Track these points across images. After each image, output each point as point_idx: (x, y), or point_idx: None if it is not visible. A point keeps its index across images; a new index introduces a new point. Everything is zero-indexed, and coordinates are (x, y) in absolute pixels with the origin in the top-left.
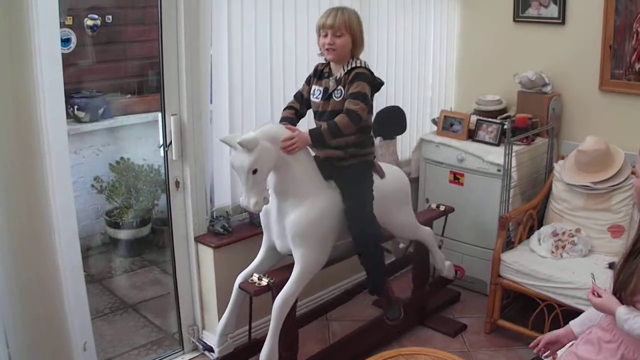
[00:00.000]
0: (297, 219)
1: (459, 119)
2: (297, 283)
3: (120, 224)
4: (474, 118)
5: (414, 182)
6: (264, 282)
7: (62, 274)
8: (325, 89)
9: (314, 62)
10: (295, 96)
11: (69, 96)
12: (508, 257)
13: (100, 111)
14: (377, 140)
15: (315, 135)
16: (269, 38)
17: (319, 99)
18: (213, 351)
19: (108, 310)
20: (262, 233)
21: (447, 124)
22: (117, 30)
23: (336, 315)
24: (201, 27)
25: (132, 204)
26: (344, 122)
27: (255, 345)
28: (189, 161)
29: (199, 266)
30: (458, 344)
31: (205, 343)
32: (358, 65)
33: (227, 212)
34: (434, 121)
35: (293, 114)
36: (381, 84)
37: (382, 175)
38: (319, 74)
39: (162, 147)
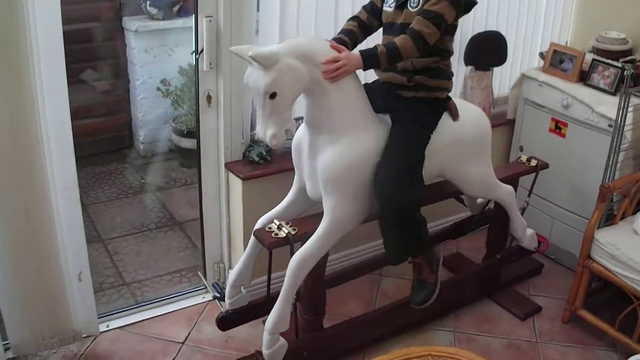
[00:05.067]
0: (330, 161)
1: (571, 56)
2: (321, 240)
3: (185, 131)
4: (589, 57)
5: (509, 124)
6: (283, 232)
7: (52, 195)
8: None
9: None
10: (364, 6)
11: None
12: (604, 235)
13: (176, 8)
14: (468, 70)
15: (368, 58)
16: None
17: (392, 8)
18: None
19: (153, 226)
20: None
21: (556, 60)
22: None
23: (393, 270)
24: None
25: None
26: (406, 45)
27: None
28: (223, 73)
29: (229, 198)
30: (525, 331)
31: (221, 289)
32: None
33: None
34: (542, 55)
35: (355, 27)
36: (472, 3)
37: (455, 116)
38: None
39: (193, 54)
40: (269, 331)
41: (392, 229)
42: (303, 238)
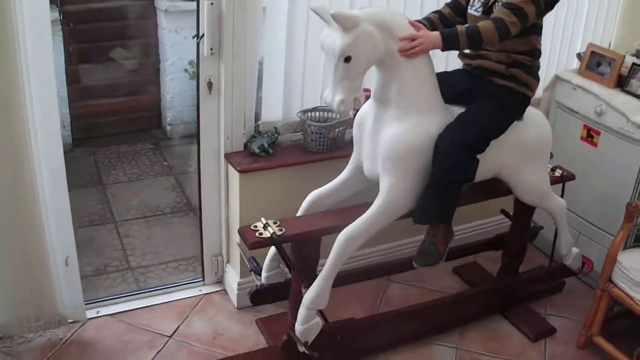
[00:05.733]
0: (394, 137)
1: (610, 59)
2: (372, 219)
3: None
4: (629, 60)
5: None
6: (268, 232)
7: (38, 177)
8: (486, 2)
9: None
10: (447, 2)
11: None
12: (627, 258)
13: None
14: None
15: (448, 38)
16: None
17: (479, 13)
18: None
19: (169, 210)
20: (315, 162)
21: (593, 62)
22: None
23: (403, 277)
24: None
25: None
26: (487, 28)
27: None
28: (225, 59)
29: (228, 190)
30: (535, 354)
31: (257, 264)
32: None
33: (275, 128)
34: (580, 56)
35: (436, 18)
36: (555, 1)
37: (520, 116)
38: None
39: (195, 39)
40: (306, 306)
41: (436, 188)
42: (290, 239)
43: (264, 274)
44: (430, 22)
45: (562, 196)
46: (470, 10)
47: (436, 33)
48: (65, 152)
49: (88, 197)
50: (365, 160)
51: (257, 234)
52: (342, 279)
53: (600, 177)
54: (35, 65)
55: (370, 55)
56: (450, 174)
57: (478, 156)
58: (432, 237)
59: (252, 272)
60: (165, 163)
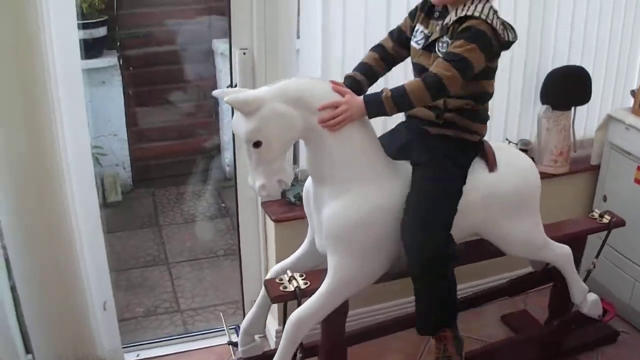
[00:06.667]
0: (333, 217)
1: None
2: (322, 300)
3: None
4: None
5: (594, 170)
6: (292, 286)
7: (74, 223)
8: (429, 35)
9: None
10: (391, 32)
11: None
12: None
13: None
14: (543, 110)
15: (372, 105)
16: None
17: (419, 46)
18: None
19: (222, 252)
20: None
21: None
22: None
23: None
24: None
25: None
26: (416, 89)
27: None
28: None
29: (267, 238)
30: None
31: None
32: (475, 15)
33: None
34: (633, 93)
35: (376, 59)
36: (510, 42)
37: (492, 166)
38: (427, 9)
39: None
40: None
41: (423, 290)
42: (311, 293)
43: (240, 348)
44: (368, 72)
45: (604, 242)
46: (412, 42)
47: (360, 100)
48: (125, 193)
49: (144, 237)
50: (315, 234)
51: (281, 287)
52: (382, 330)
53: None
54: (68, 113)
55: (285, 136)
56: (430, 265)
57: None
58: (444, 351)
59: (230, 345)
60: (222, 205)
